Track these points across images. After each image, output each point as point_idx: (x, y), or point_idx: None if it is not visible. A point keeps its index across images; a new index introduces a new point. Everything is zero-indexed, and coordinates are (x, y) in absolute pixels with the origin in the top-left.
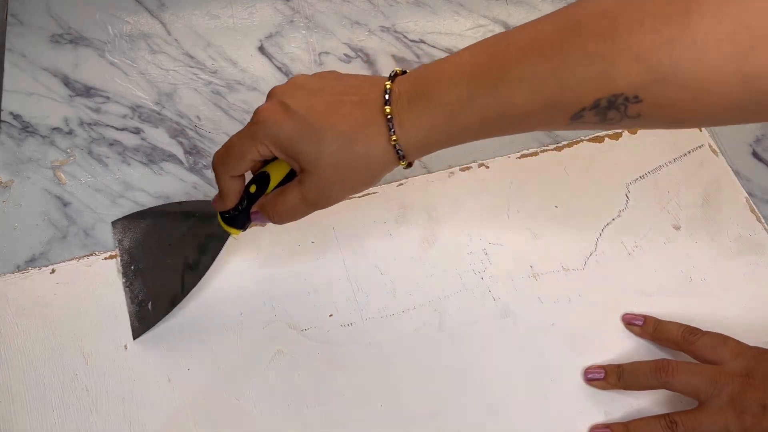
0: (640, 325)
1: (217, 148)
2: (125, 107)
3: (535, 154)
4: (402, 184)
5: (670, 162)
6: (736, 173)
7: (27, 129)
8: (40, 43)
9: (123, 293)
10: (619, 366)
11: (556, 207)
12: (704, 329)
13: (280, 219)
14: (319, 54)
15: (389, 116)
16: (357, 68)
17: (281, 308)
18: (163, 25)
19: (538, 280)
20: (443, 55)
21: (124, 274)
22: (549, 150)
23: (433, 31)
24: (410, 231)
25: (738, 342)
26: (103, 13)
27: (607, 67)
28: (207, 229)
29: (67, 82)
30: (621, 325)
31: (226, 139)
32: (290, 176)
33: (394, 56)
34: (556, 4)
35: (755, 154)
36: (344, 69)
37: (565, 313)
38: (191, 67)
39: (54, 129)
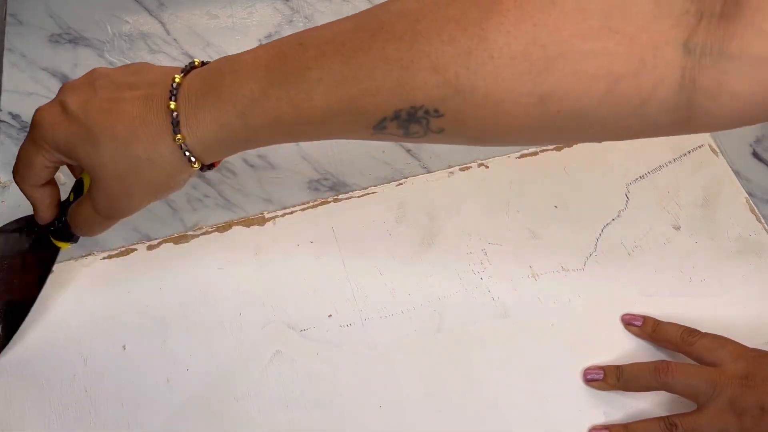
0: (639, 325)
1: None
2: None
3: (535, 154)
4: (401, 183)
5: (670, 162)
6: (736, 173)
7: (26, 129)
8: (39, 43)
9: (119, 295)
10: (618, 367)
11: (555, 207)
12: (704, 330)
13: (80, 232)
14: None
15: (174, 113)
16: None
17: (280, 308)
18: (162, 24)
19: (538, 280)
20: None
21: None
22: (549, 150)
23: None
24: (410, 231)
25: (737, 344)
26: (102, 12)
27: (406, 76)
28: (43, 245)
29: (66, 81)
30: (621, 326)
31: None
32: None
33: None
34: None
35: (755, 154)
36: None
37: (564, 313)
38: None
39: None
